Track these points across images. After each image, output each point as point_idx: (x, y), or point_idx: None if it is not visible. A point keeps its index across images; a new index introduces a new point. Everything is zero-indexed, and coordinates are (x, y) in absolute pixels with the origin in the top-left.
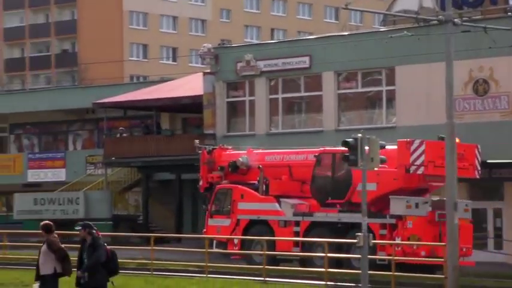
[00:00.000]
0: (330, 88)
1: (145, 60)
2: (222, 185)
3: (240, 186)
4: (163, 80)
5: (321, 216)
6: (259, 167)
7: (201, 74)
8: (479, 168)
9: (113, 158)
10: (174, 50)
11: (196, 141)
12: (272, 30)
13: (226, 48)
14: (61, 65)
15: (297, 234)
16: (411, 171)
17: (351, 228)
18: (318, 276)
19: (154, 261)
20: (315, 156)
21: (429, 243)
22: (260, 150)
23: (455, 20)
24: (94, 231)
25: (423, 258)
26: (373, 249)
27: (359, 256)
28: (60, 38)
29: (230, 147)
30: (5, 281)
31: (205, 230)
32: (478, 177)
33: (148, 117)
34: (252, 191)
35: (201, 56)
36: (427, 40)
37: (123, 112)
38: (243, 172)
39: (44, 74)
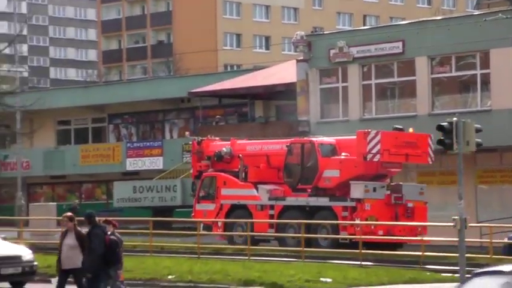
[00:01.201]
0: (424, 73)
1: (239, 49)
2: (208, 173)
3: (223, 174)
4: (256, 69)
5: (292, 200)
6: (239, 156)
7: (294, 61)
8: (432, 155)
9: None
10: (267, 38)
11: (187, 133)
12: (364, 16)
13: (319, 36)
14: (157, 56)
15: (271, 216)
16: (368, 159)
17: (317, 211)
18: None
19: (251, 247)
20: (286, 146)
21: (385, 222)
22: (243, 141)
23: None
24: (92, 219)
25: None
26: (336, 229)
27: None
28: (155, 29)
29: (217, 138)
30: None
31: (193, 214)
32: (430, 163)
33: (242, 105)
34: (234, 178)
35: (294, 43)
36: None
37: (218, 100)
38: (227, 161)
39: (141, 65)
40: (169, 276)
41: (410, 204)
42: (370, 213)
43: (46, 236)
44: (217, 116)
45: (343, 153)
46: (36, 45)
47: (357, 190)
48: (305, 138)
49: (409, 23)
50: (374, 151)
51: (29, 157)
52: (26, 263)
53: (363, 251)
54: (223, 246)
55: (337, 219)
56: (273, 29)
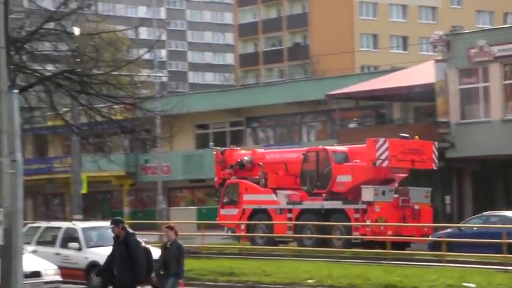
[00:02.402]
0: None
1: (376, 50)
2: (231, 181)
3: (245, 181)
4: (394, 70)
5: (308, 204)
6: (259, 164)
7: (432, 61)
8: (436, 161)
9: None
10: (404, 38)
11: (211, 143)
12: (505, 14)
13: (458, 35)
14: (293, 58)
15: (290, 219)
16: (377, 165)
17: (332, 213)
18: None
19: (391, 251)
20: (302, 154)
21: (394, 223)
22: (262, 150)
23: None
24: (126, 226)
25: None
26: (349, 230)
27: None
28: (292, 32)
29: (239, 148)
30: (246, 270)
31: (218, 218)
32: (435, 168)
33: (380, 107)
34: (255, 185)
35: (432, 43)
36: None
37: (355, 102)
38: (248, 169)
39: (277, 68)
40: (309, 281)
41: (416, 207)
42: (379, 214)
43: (187, 239)
44: (354, 119)
45: (354, 160)
46: (175, 50)
47: (367, 193)
48: (319, 147)
49: None
50: (382, 157)
51: (169, 161)
52: None
53: (507, 255)
54: (362, 250)
55: (350, 221)
56: (410, 29)
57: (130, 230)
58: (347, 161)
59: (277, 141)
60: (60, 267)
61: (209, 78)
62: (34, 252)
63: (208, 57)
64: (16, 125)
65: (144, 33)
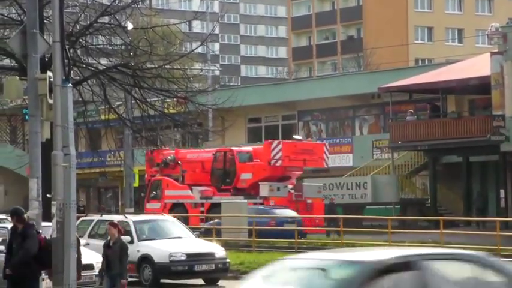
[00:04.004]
0: None
1: (430, 42)
2: (155, 178)
3: (166, 178)
4: (448, 62)
5: (216, 199)
6: (178, 163)
7: (488, 54)
8: (326, 160)
9: (399, 142)
10: (460, 31)
11: (150, 148)
12: None
13: None
14: (346, 51)
15: (202, 212)
16: (272, 164)
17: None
18: None
19: (444, 245)
20: (212, 154)
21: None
22: (184, 150)
23: None
24: (24, 218)
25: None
26: None
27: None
28: (345, 25)
29: (167, 147)
30: None
31: (144, 212)
32: (326, 166)
33: (434, 100)
34: (174, 182)
35: (488, 36)
36: None
37: (409, 96)
38: (172, 167)
39: (330, 61)
40: None
41: (309, 201)
42: None
43: (238, 233)
44: (410, 111)
45: (255, 160)
46: (228, 43)
47: (264, 189)
48: (226, 147)
49: None
50: (277, 157)
51: None
52: (219, 260)
53: None
54: (415, 244)
55: None
56: (466, 21)
57: (30, 222)
58: (251, 160)
59: (329, 135)
60: None
61: (262, 71)
62: (86, 245)
63: (261, 51)
64: (70, 119)
65: (197, 26)
